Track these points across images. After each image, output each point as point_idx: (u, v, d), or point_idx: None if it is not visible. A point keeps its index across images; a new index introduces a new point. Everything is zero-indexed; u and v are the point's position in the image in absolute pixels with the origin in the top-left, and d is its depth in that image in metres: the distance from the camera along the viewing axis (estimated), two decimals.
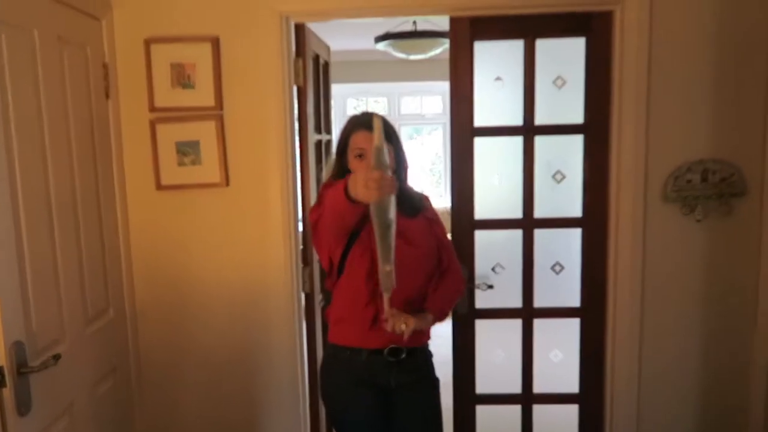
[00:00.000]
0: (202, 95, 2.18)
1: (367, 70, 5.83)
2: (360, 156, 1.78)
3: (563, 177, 2.34)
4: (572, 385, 2.41)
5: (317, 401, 2.46)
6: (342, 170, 1.86)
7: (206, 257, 2.28)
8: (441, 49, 4.20)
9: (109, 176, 2.16)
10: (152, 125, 2.20)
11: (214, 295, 2.29)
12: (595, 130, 2.24)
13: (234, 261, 2.27)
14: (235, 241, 2.27)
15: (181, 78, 2.18)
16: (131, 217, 2.26)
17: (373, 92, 6.56)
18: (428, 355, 1.98)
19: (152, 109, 2.20)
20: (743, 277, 2.20)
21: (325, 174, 1.96)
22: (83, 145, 1.97)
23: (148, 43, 2.16)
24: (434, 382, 1.96)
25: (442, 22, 4.03)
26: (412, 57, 4.37)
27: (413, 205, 1.88)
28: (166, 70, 2.18)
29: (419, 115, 6.80)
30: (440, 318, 1.89)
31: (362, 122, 1.80)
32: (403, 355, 1.83)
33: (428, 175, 7.03)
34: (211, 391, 2.33)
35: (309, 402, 2.42)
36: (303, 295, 2.41)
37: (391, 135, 1.78)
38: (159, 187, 2.23)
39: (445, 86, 6.47)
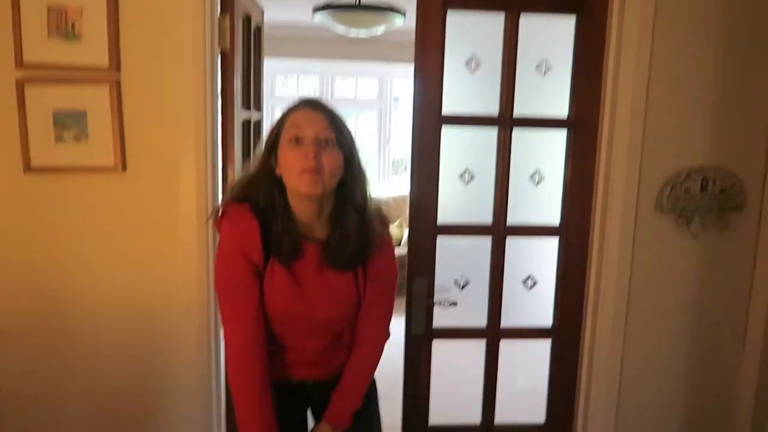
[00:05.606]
0: (92, 51, 1.64)
1: (300, 45, 5.29)
2: (297, 140, 1.32)
3: (542, 178, 2.00)
4: (538, 416, 2.11)
5: None
6: (266, 174, 1.37)
7: (92, 265, 1.76)
8: (384, 26, 3.77)
9: None
10: (19, 86, 1.64)
11: (101, 315, 1.78)
12: (581, 126, 1.91)
13: (130, 270, 1.78)
14: (132, 244, 1.76)
15: (62, 26, 1.63)
16: None
17: (304, 70, 6.02)
18: None
19: (19, 64, 1.63)
20: (734, 299, 1.96)
21: (239, 174, 1.56)
22: None
23: None
24: None
25: None
26: (353, 33, 3.91)
27: (355, 252, 1.40)
28: (41, 14, 1.63)
29: (352, 100, 6.35)
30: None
31: (305, 101, 1.38)
32: None
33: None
34: None
35: None
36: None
37: (343, 131, 1.35)
38: (28, 169, 1.68)
39: (380, 68, 6.04)
